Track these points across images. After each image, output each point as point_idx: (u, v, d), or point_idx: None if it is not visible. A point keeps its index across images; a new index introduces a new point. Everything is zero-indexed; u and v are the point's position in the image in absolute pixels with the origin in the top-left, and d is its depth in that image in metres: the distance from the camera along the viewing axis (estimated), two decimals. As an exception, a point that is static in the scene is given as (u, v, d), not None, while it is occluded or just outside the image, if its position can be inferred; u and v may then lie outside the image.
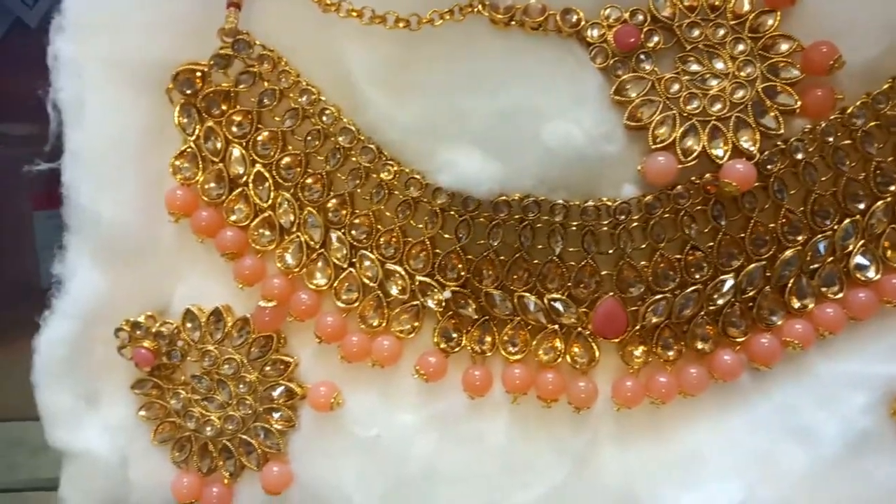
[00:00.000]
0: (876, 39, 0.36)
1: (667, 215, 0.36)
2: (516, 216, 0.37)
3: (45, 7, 0.66)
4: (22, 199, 0.68)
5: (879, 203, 0.36)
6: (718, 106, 0.36)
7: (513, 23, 0.37)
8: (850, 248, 0.36)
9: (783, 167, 0.36)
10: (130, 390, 0.39)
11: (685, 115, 0.36)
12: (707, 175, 0.36)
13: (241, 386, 0.38)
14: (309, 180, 0.38)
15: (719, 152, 0.35)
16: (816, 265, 0.37)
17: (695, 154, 0.35)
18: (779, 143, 0.36)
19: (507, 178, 0.36)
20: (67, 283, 0.38)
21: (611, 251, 0.37)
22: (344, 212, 0.38)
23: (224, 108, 0.39)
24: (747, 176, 0.35)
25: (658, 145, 0.36)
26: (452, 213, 0.37)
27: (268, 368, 0.38)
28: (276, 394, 0.38)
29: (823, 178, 0.36)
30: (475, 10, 0.37)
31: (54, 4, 0.41)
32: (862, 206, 0.36)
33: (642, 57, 0.36)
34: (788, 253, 0.36)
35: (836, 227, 0.36)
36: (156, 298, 0.39)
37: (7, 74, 0.66)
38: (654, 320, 0.37)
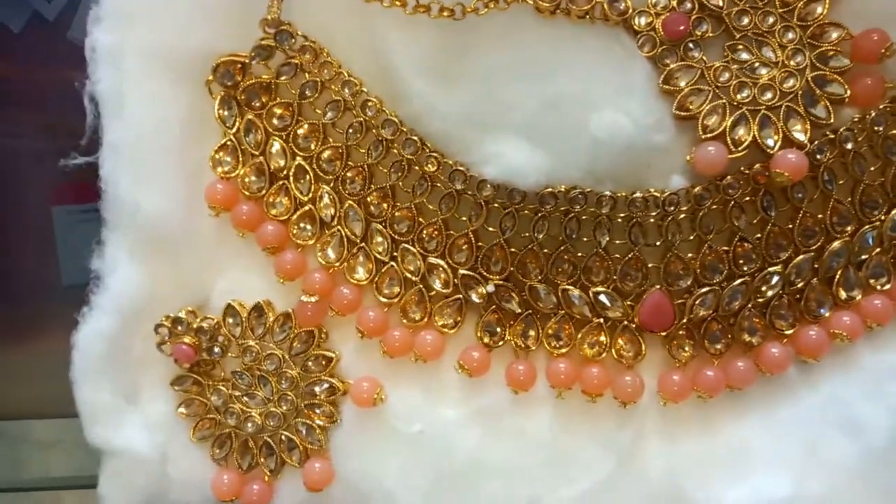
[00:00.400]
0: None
1: (715, 206, 0.36)
2: (562, 208, 0.36)
3: (63, 1, 0.66)
4: (40, 194, 0.68)
5: (930, 193, 0.36)
6: (769, 95, 0.35)
7: (558, 11, 0.36)
8: (902, 238, 0.36)
9: (833, 157, 0.35)
10: (170, 387, 0.39)
11: (735, 104, 0.35)
12: (757, 165, 0.35)
13: (282, 382, 0.38)
14: (350, 173, 0.38)
15: (770, 142, 0.35)
16: (865, 256, 0.36)
17: (745, 144, 0.35)
18: (828, 132, 0.35)
19: (553, 169, 0.36)
20: (107, 278, 0.38)
21: (658, 243, 0.36)
22: (385, 205, 0.38)
23: (264, 100, 0.38)
24: (800, 165, 0.34)
25: (708, 135, 0.35)
26: (497, 205, 0.37)
27: (310, 364, 0.37)
28: (318, 390, 0.37)
29: (872, 168, 0.36)
30: (522, -2, 0.36)
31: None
32: (918, 190, 0.36)
33: (691, 45, 0.36)
34: (836, 244, 0.36)
35: (884, 217, 0.36)
36: (196, 293, 0.39)
37: (26, 66, 0.65)
38: (702, 313, 0.36)
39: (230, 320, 0.38)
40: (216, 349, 0.38)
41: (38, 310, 0.65)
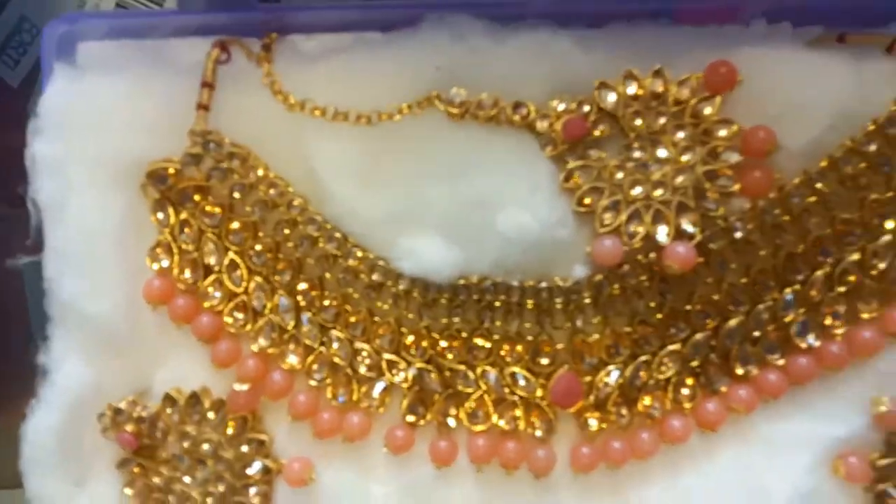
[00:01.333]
0: (813, 121, 0.38)
1: (616, 292, 0.39)
2: (475, 297, 0.39)
3: (27, 68, 0.68)
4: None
5: (818, 273, 0.38)
6: (661, 191, 0.38)
7: (467, 115, 0.39)
8: (791, 317, 0.39)
9: (724, 244, 0.38)
10: (116, 469, 0.41)
11: (630, 200, 0.38)
12: (652, 255, 0.38)
13: (219, 464, 0.40)
14: (280, 266, 0.41)
15: (662, 235, 0.38)
16: (759, 333, 0.39)
17: (639, 237, 0.38)
18: (720, 222, 0.38)
19: (465, 263, 0.39)
20: (53, 373, 0.40)
21: (565, 326, 0.39)
22: (314, 294, 0.40)
23: (197, 199, 0.41)
24: (687, 258, 0.37)
25: (605, 229, 0.38)
26: (415, 295, 0.39)
27: (244, 447, 0.40)
28: (251, 471, 0.40)
29: (763, 252, 0.39)
30: (432, 104, 0.39)
31: (37, 65, 0.43)
32: (801, 276, 0.39)
33: (589, 145, 0.39)
34: (732, 322, 0.39)
35: (777, 296, 0.39)
36: (139, 382, 0.41)
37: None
38: (608, 389, 0.39)
39: (169, 408, 0.40)
40: (157, 434, 0.40)
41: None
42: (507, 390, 0.40)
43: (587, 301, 0.39)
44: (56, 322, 0.41)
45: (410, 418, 0.40)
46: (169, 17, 0.44)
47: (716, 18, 0.41)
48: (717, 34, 0.40)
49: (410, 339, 0.40)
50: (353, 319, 0.40)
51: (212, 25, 0.42)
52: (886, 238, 0.38)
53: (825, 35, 0.39)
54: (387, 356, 0.40)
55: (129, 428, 0.40)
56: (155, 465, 0.41)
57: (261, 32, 0.42)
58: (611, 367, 0.39)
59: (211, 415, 0.40)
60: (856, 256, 0.38)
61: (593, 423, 0.39)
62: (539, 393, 0.39)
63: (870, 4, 0.40)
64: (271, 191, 0.40)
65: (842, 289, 0.38)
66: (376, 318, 0.40)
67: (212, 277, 0.41)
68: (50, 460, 0.40)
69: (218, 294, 0.41)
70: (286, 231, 0.40)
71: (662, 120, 0.38)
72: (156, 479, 0.41)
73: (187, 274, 0.41)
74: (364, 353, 0.40)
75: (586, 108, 0.39)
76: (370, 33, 0.41)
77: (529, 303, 0.39)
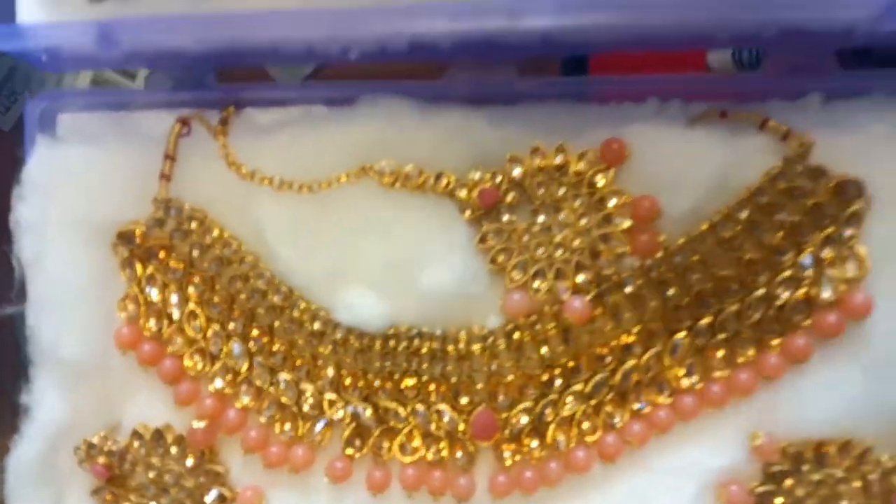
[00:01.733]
0: (694, 191, 0.44)
1: (526, 339, 0.44)
2: (404, 343, 0.45)
3: (17, 114, 0.74)
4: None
5: (702, 322, 0.44)
6: (561, 251, 0.44)
7: (397, 184, 0.45)
8: (678, 360, 0.44)
9: (617, 298, 0.44)
10: (91, 496, 0.47)
11: (535, 259, 0.44)
12: (555, 307, 0.44)
13: (180, 492, 0.45)
14: (234, 315, 0.46)
15: (562, 291, 0.43)
16: (651, 373, 0.45)
17: (543, 292, 0.43)
18: (613, 278, 0.44)
19: (395, 314, 0.44)
20: (34, 410, 0.46)
21: (483, 370, 0.45)
22: (265, 340, 0.46)
23: (161, 256, 0.46)
24: (583, 311, 0.43)
25: (514, 285, 0.44)
26: (352, 342, 0.45)
27: (202, 478, 0.45)
28: (209, 498, 0.45)
29: (653, 304, 0.44)
30: (366, 174, 0.45)
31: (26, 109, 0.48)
32: (687, 324, 0.44)
33: (502, 211, 0.45)
34: (628, 365, 0.44)
35: (666, 342, 0.44)
36: (110, 417, 0.47)
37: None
38: (520, 425, 0.45)
39: (136, 442, 0.46)
40: (126, 466, 0.46)
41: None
42: (433, 426, 0.45)
43: (501, 347, 0.44)
44: (36, 365, 0.46)
45: (349, 451, 0.45)
46: (138, 94, 0.50)
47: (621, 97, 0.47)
48: (613, 112, 0.45)
49: (349, 380, 0.45)
50: (298, 363, 0.46)
51: (176, 100, 0.48)
52: (760, 292, 0.43)
53: (709, 111, 0.45)
54: (328, 396, 0.45)
55: (102, 460, 0.45)
56: (125, 492, 0.46)
57: (220, 106, 0.48)
58: (523, 405, 0.44)
59: (174, 449, 0.45)
60: (734, 308, 0.44)
61: (508, 455, 0.45)
62: (461, 427, 0.45)
63: (749, 83, 0.46)
64: (225, 250, 0.45)
65: (722, 336, 0.44)
66: (319, 362, 0.46)
67: (174, 326, 0.46)
68: (30, 488, 0.46)
69: (179, 340, 0.46)
70: (239, 285, 0.45)
71: (563, 189, 0.44)
72: (125, 505, 0.46)
73: (152, 323, 0.46)
74: (308, 393, 0.46)
75: (498, 179, 0.44)
76: (315, 107, 0.47)
77: (451, 349, 0.44)
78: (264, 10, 0.40)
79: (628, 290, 0.44)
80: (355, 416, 0.45)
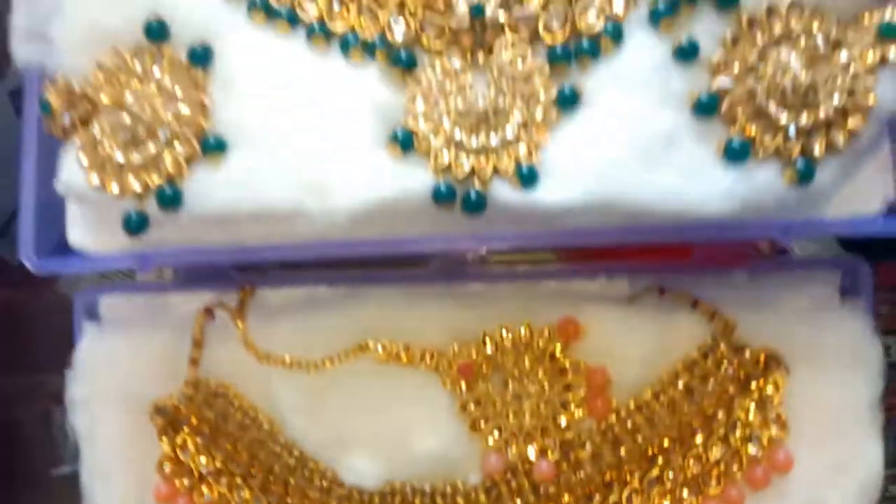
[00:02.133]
0: (637, 361, 0.52)
1: (503, 492, 0.52)
2: (399, 498, 0.53)
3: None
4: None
5: (650, 474, 0.52)
6: (528, 418, 0.52)
7: (389, 361, 0.53)
8: (630, 505, 0.52)
9: (578, 456, 0.52)
10: None
11: (508, 427, 0.52)
12: (527, 465, 0.52)
13: None
14: (253, 470, 0.54)
15: (531, 454, 0.51)
16: (618, 514, 0.52)
17: (514, 453, 0.51)
18: (574, 439, 0.52)
19: (390, 475, 0.52)
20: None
21: (468, 518, 0.53)
22: (281, 492, 0.54)
23: (194, 422, 0.55)
24: (548, 472, 0.51)
25: (491, 447, 0.52)
26: (355, 496, 0.53)
27: None
28: None
29: (609, 459, 0.52)
30: (364, 351, 0.53)
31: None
32: (637, 476, 0.52)
33: (479, 380, 0.53)
34: (592, 509, 0.52)
35: (620, 492, 0.52)
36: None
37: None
38: (501, 569, 0.52)
39: (175, 585, 0.54)
40: None
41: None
42: (429, 565, 0.53)
43: (483, 500, 0.52)
44: (89, 518, 0.55)
45: (347, 584, 0.53)
46: (168, 287, 0.58)
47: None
48: (569, 292, 0.54)
49: (355, 528, 0.54)
50: (310, 514, 0.54)
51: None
52: (698, 450, 0.51)
53: (648, 288, 0.53)
54: (336, 541, 0.54)
55: None
56: None
57: (238, 286, 0.56)
58: (502, 550, 0.52)
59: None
60: (678, 462, 0.51)
61: (488, 593, 0.53)
62: (450, 567, 0.53)
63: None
64: (246, 418, 0.54)
65: (668, 485, 0.51)
66: (329, 512, 0.54)
67: (204, 482, 0.54)
68: None
69: (209, 494, 0.54)
70: (258, 447, 0.54)
71: (528, 362, 0.52)
72: None
73: (185, 480, 0.54)
74: (319, 539, 0.54)
75: (475, 354, 0.53)
76: (320, 288, 0.56)
77: (439, 501, 0.52)
78: (286, 244, 0.47)
79: (588, 448, 0.51)
80: (362, 558, 0.53)
